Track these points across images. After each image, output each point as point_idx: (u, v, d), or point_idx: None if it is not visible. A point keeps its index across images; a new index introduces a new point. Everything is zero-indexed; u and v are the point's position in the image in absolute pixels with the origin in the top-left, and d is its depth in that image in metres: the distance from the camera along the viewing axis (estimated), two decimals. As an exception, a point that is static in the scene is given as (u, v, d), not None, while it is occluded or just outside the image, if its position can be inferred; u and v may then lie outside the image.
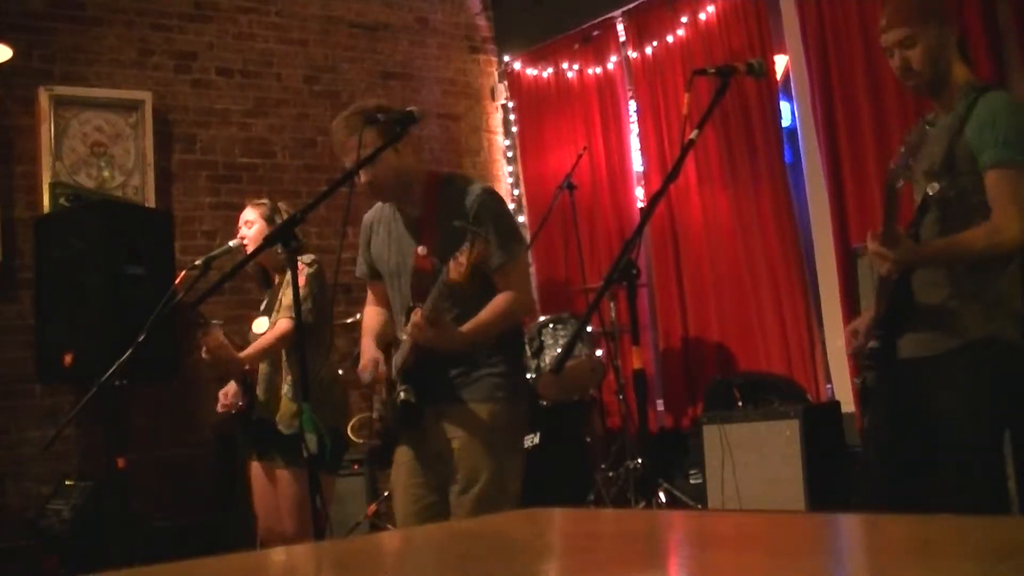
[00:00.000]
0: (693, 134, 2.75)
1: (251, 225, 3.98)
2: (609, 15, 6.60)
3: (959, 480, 2.66)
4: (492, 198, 3.00)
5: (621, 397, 5.65)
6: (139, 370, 3.81)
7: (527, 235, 6.81)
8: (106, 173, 5.65)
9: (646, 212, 2.99)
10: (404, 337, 2.99)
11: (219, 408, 3.92)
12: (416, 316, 2.84)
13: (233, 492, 4.01)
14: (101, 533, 4.63)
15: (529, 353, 5.40)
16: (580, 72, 6.86)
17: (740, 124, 5.85)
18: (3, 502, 5.12)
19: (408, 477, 3.06)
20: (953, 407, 2.68)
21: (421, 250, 2.96)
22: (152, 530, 4.92)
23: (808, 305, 5.61)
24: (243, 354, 3.76)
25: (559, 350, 5.41)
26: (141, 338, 3.22)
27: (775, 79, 5.81)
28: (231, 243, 3.99)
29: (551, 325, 5.60)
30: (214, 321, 3.83)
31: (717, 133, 5.92)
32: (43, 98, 5.45)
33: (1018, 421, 2.85)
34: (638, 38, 6.45)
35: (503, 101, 7.36)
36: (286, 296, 3.76)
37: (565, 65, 6.93)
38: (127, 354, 3.28)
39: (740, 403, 5.35)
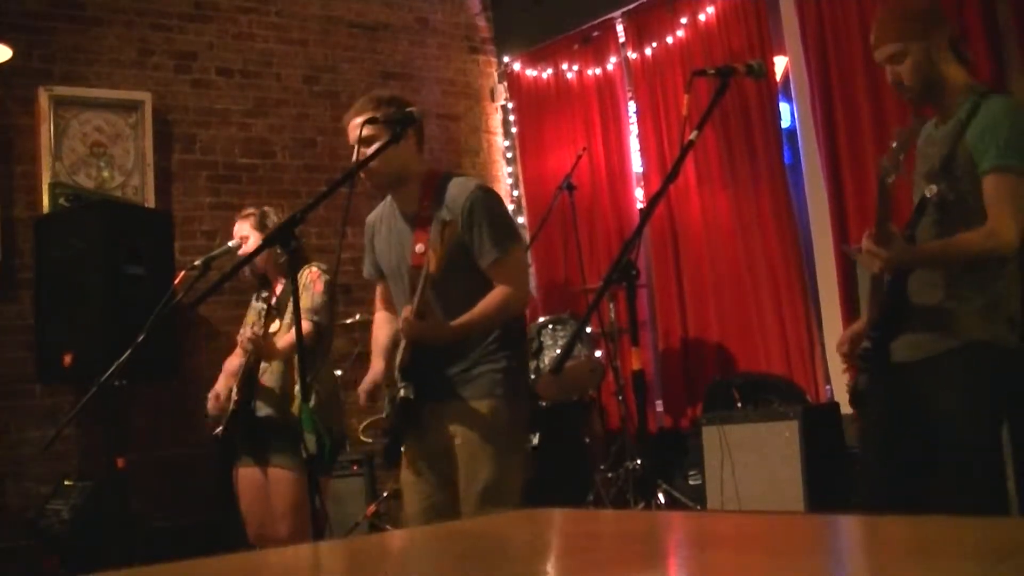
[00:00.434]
0: (693, 135, 2.75)
1: (247, 240, 4.00)
2: (609, 16, 6.60)
3: (959, 481, 2.66)
4: (486, 194, 3.00)
5: (620, 398, 5.64)
6: (139, 370, 3.82)
7: (526, 236, 6.81)
8: (106, 173, 5.65)
9: (645, 213, 2.99)
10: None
11: (208, 408, 3.94)
12: (406, 312, 2.85)
13: (233, 492, 4.01)
14: (101, 533, 4.63)
15: (528, 353, 5.41)
16: (580, 73, 6.87)
17: (740, 125, 5.85)
18: (3, 502, 5.12)
19: (414, 475, 3.06)
20: (952, 408, 2.69)
21: (419, 247, 2.97)
22: (152, 530, 4.91)
23: (808, 306, 5.61)
24: (279, 345, 3.79)
25: (558, 351, 5.42)
26: (141, 338, 3.22)
27: (775, 80, 5.81)
28: (231, 243, 4.00)
29: (550, 326, 5.60)
30: (254, 321, 3.90)
31: (717, 134, 5.92)
32: (43, 98, 5.45)
33: (1017, 421, 2.85)
34: (638, 39, 6.45)
35: (503, 102, 7.37)
36: (304, 299, 3.78)
37: (565, 66, 6.94)
38: (127, 354, 3.28)
39: (739, 404, 5.35)
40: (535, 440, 5.43)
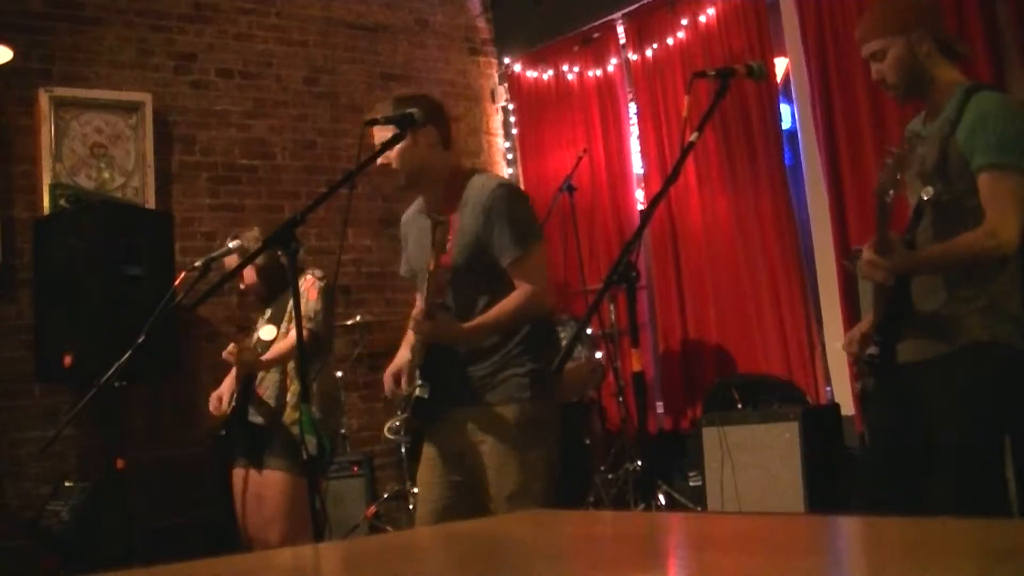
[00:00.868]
0: (693, 136, 2.75)
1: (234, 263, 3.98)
2: (609, 17, 6.60)
3: (959, 482, 2.66)
4: (507, 192, 2.95)
5: (620, 399, 5.64)
6: (139, 370, 3.82)
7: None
8: (106, 174, 5.65)
9: (646, 214, 2.98)
10: None
11: (211, 409, 3.94)
12: (415, 311, 2.84)
13: (233, 492, 4.01)
14: (100, 533, 4.63)
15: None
16: (580, 74, 6.87)
17: (740, 126, 5.85)
18: (2, 502, 5.12)
19: (430, 476, 3.04)
20: (953, 410, 2.68)
21: None
22: (152, 530, 4.91)
23: (808, 307, 5.61)
24: (265, 358, 3.80)
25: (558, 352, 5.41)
26: (140, 340, 3.22)
27: (775, 81, 5.81)
28: (231, 244, 3.99)
29: (550, 327, 5.59)
30: (241, 334, 3.90)
31: (717, 135, 5.92)
32: (43, 99, 5.45)
33: (1017, 424, 2.85)
34: (638, 40, 6.46)
35: (503, 103, 7.37)
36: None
37: (565, 67, 6.94)
38: (126, 356, 3.28)
39: (739, 405, 5.35)
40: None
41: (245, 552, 3.39)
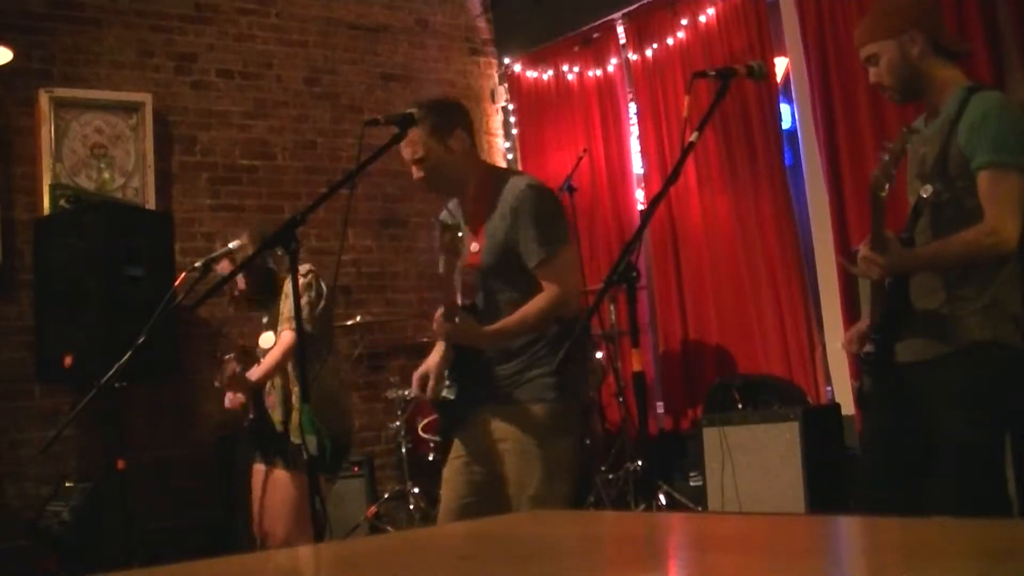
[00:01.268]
0: (693, 136, 2.75)
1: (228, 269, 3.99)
2: (609, 17, 6.60)
3: (959, 482, 2.66)
4: (535, 193, 2.93)
5: (621, 399, 5.64)
6: (139, 371, 3.82)
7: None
8: (106, 175, 5.65)
9: (646, 214, 2.98)
10: None
11: (226, 404, 3.94)
12: (437, 313, 2.85)
13: (233, 492, 4.02)
14: (100, 534, 4.63)
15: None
16: (580, 74, 6.87)
17: (740, 126, 5.85)
18: (2, 503, 5.12)
19: (454, 474, 3.04)
20: (953, 410, 2.68)
21: (473, 247, 2.96)
22: (152, 530, 4.91)
23: (808, 307, 5.61)
24: (254, 377, 3.80)
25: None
26: (140, 340, 3.21)
27: (775, 81, 5.81)
28: (231, 244, 3.98)
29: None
30: (227, 356, 3.87)
31: (717, 135, 5.92)
32: (43, 100, 5.45)
33: (1018, 423, 2.85)
34: (638, 40, 6.46)
35: (503, 103, 7.37)
36: (285, 307, 3.81)
37: (565, 67, 6.94)
38: (126, 356, 3.28)
39: (740, 405, 5.35)
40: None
41: (245, 552, 3.40)
